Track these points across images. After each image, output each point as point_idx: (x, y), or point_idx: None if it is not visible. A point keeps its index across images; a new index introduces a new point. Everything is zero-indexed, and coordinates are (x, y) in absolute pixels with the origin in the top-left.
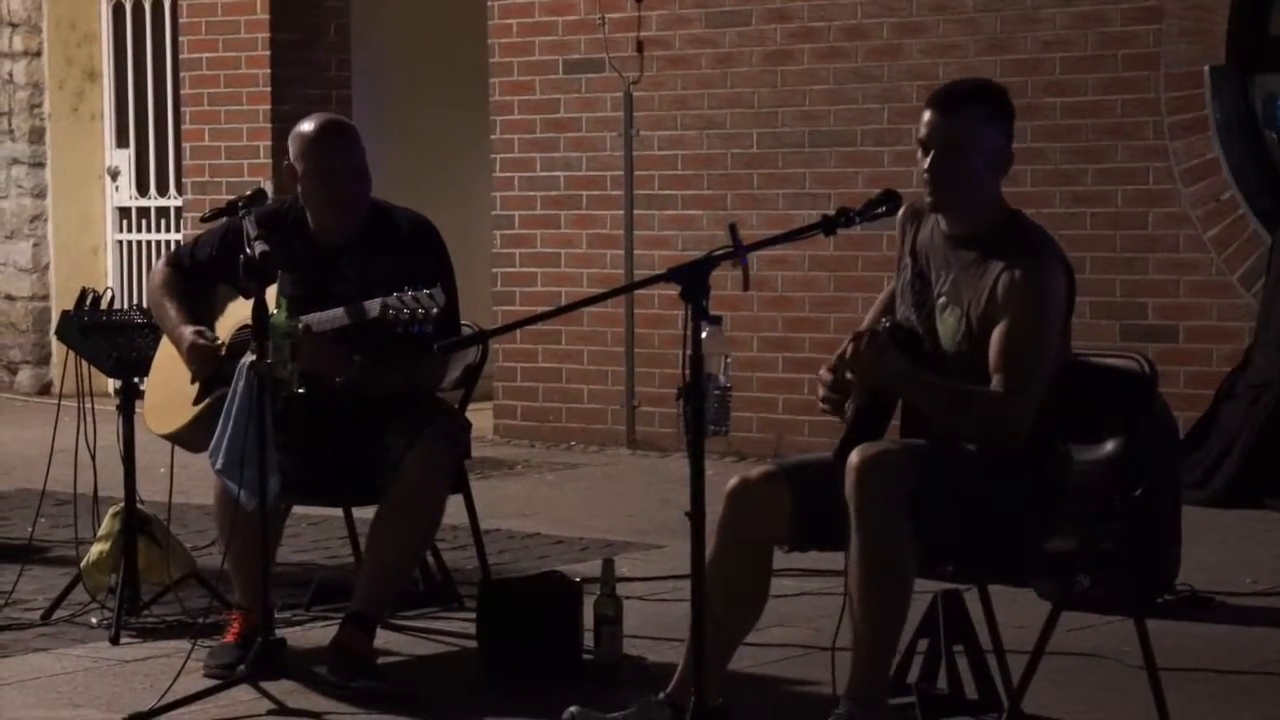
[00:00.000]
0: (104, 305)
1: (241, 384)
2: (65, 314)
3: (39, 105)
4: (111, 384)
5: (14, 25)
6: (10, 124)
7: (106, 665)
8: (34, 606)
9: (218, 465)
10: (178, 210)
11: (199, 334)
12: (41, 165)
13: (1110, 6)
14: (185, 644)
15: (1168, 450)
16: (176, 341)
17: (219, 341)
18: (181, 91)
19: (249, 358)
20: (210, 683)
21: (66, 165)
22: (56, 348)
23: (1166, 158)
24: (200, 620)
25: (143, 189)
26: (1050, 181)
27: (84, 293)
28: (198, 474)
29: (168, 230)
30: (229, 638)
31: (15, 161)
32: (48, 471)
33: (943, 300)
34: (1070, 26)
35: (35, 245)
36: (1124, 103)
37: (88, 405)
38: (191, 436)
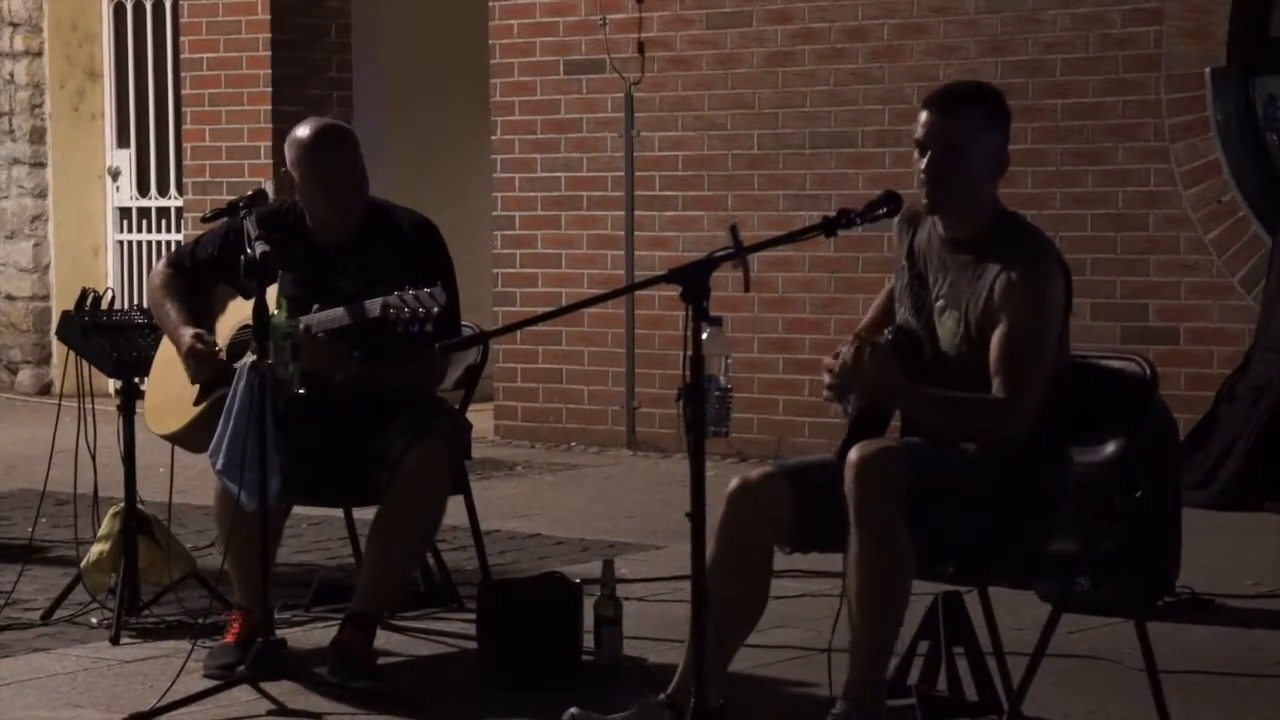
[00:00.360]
0: (104, 305)
1: (242, 384)
2: (66, 314)
3: (40, 105)
4: (112, 384)
5: (15, 25)
6: (11, 124)
7: (106, 665)
8: (34, 606)
9: (218, 466)
10: (178, 210)
11: (198, 338)
12: (42, 165)
13: (1111, 8)
14: (185, 644)
15: (1168, 452)
16: (176, 343)
17: (218, 347)
18: (182, 91)
19: (249, 358)
20: (210, 683)
21: (67, 165)
22: (57, 348)
23: (1167, 159)
24: (200, 621)
25: (143, 189)
26: (1051, 183)
27: (84, 293)
28: (198, 474)
29: (168, 230)
30: (229, 638)
31: (16, 161)
32: (48, 471)
33: (941, 303)
34: (1071, 28)
35: (36, 245)
36: (1125, 104)
37: (88, 405)
38: (192, 437)
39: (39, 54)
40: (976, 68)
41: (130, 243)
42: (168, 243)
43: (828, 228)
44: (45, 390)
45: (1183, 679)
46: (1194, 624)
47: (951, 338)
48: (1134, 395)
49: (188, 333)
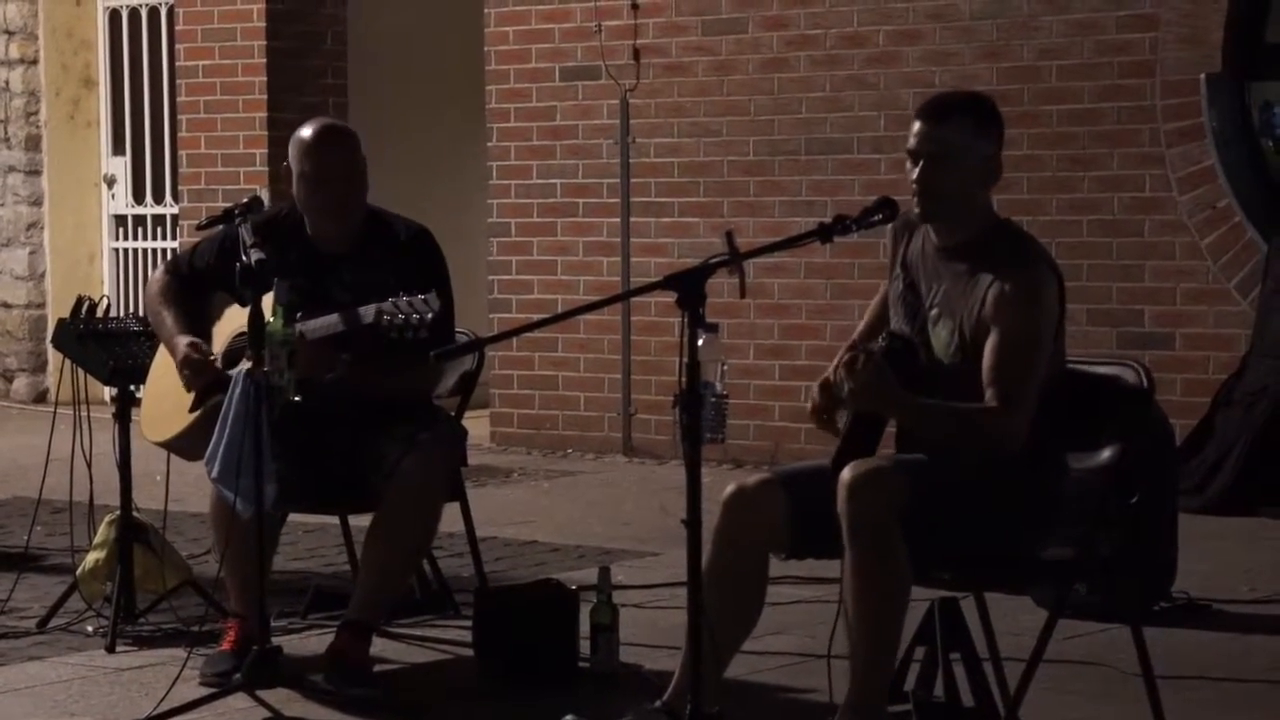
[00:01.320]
0: (100, 313)
1: (238, 391)
2: (62, 322)
3: (35, 113)
4: (108, 392)
5: (10, 33)
6: (6, 131)
7: (102, 674)
8: (30, 615)
9: (214, 473)
10: (174, 218)
11: (194, 347)
12: (38, 173)
13: (1106, 15)
14: (181, 652)
15: (1164, 457)
16: (171, 351)
17: (213, 356)
18: (178, 99)
19: (245, 365)
20: (206, 691)
21: (63, 173)
22: (53, 355)
23: (1163, 165)
24: (196, 628)
25: (139, 197)
26: (1047, 189)
27: (80, 300)
28: (194, 482)
29: (164, 238)
30: (225, 646)
31: (11, 169)
32: (44, 479)
33: (935, 312)
34: (1066, 34)
35: (32, 253)
36: (1120, 110)
37: (84, 413)
38: (187, 444)
39: (34, 61)
40: (972, 74)
41: (126, 250)
42: (163, 250)
43: (824, 234)
44: (41, 398)
45: (1179, 684)
46: (1190, 629)
47: (946, 347)
48: (1129, 401)
49: (183, 341)
